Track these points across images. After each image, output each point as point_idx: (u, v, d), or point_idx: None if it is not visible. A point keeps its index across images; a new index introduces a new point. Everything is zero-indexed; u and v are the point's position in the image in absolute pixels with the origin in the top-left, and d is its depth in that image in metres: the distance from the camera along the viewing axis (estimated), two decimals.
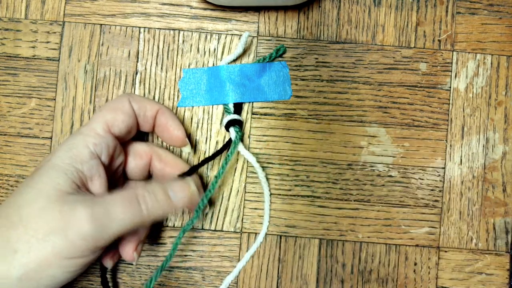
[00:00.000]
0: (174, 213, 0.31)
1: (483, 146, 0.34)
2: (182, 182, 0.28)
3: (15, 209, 0.24)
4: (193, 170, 0.30)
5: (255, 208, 0.33)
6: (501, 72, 0.34)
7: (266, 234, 0.33)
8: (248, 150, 0.33)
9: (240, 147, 0.32)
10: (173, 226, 0.33)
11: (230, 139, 0.32)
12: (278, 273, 0.33)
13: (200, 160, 0.31)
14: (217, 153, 0.32)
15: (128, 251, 0.29)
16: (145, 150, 0.30)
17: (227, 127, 0.32)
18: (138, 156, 0.30)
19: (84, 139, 0.26)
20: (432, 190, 0.33)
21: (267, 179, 0.33)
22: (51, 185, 0.25)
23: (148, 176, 0.31)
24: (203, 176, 0.33)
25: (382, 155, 0.33)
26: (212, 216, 0.33)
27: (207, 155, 0.33)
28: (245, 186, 0.33)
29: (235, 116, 0.32)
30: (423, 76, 0.34)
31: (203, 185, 0.33)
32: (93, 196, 0.26)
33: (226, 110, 0.33)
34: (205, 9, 0.34)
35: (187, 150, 0.31)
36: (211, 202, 0.33)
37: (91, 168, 0.26)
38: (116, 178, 0.30)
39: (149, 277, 0.33)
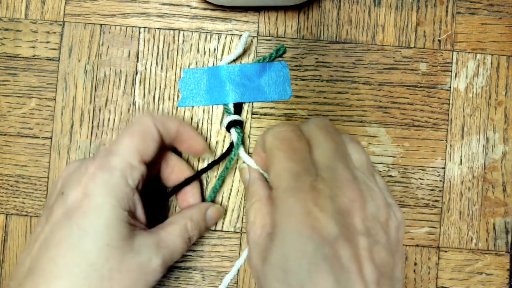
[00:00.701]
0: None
1: (483, 146, 0.34)
2: (216, 208, 0.31)
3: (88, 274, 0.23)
4: (199, 175, 0.31)
5: None
6: (501, 72, 0.34)
7: None
8: (248, 150, 0.33)
9: (241, 151, 0.31)
10: None
11: (232, 143, 0.32)
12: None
13: (207, 164, 0.32)
14: (222, 156, 0.32)
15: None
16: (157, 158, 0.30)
17: (228, 128, 0.32)
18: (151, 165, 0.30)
19: (122, 176, 0.25)
20: (432, 190, 0.33)
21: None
22: (117, 237, 0.24)
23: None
24: (203, 176, 0.33)
25: (382, 155, 0.33)
26: None
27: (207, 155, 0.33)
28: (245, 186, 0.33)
29: (236, 117, 0.32)
30: (423, 76, 0.34)
31: (203, 185, 0.33)
32: (153, 234, 0.26)
33: (226, 111, 0.33)
34: (205, 9, 0.34)
35: (207, 156, 0.32)
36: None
37: (135, 202, 0.26)
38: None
39: None
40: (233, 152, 0.31)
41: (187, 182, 0.30)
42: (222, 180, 0.32)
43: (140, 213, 0.27)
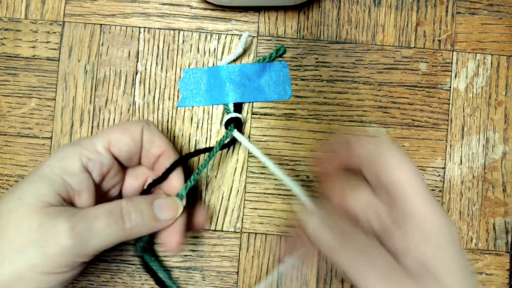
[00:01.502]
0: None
1: (483, 146, 0.34)
2: (171, 200, 0.27)
3: (6, 225, 0.23)
4: (185, 159, 0.29)
5: (255, 208, 0.33)
6: (501, 72, 0.34)
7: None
8: (248, 150, 0.33)
9: (236, 133, 0.31)
10: None
11: (229, 141, 0.32)
12: (278, 273, 0.33)
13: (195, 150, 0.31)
14: (224, 146, 0.31)
15: (171, 242, 0.27)
16: (142, 171, 0.29)
17: (226, 126, 0.32)
18: (134, 177, 0.29)
19: (79, 152, 0.25)
20: (432, 190, 0.33)
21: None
22: (34, 195, 0.23)
23: None
24: (202, 176, 0.33)
25: None
26: (212, 216, 0.33)
27: (207, 155, 0.33)
28: (245, 186, 0.33)
29: (234, 114, 0.32)
30: (423, 76, 0.34)
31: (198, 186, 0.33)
32: (77, 210, 0.24)
33: (226, 111, 0.33)
34: (205, 9, 0.34)
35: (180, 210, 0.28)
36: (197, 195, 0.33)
37: (80, 182, 0.25)
38: (110, 197, 0.29)
39: (148, 277, 0.33)
40: (224, 135, 0.31)
41: (172, 167, 0.28)
42: (214, 153, 0.30)
43: (85, 198, 0.25)
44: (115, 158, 0.27)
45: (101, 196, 0.28)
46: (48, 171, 0.24)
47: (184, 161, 0.29)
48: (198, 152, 0.30)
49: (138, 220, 0.25)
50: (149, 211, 0.26)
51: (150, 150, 0.27)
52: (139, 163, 0.29)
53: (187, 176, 0.28)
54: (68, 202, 0.25)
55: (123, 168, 0.28)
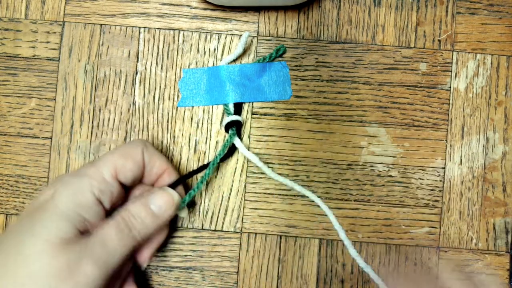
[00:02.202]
0: (167, 223, 0.29)
1: (483, 146, 0.34)
2: (162, 193, 0.28)
3: (17, 258, 0.23)
4: (187, 177, 0.30)
5: (255, 208, 0.33)
6: (501, 72, 0.34)
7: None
8: (248, 149, 0.33)
9: (237, 141, 0.32)
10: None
11: (207, 163, 0.31)
12: (278, 273, 0.33)
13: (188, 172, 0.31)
14: (225, 157, 0.32)
15: (144, 256, 0.29)
16: (144, 189, 0.30)
17: (226, 129, 0.32)
18: (137, 194, 0.29)
19: (90, 184, 0.26)
20: (432, 190, 0.33)
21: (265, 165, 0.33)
22: (55, 232, 0.24)
23: None
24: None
25: (382, 155, 0.33)
26: (212, 216, 0.33)
27: (207, 155, 0.33)
28: (245, 186, 0.33)
29: (234, 117, 0.32)
30: (423, 76, 0.34)
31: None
32: (91, 236, 0.25)
33: (226, 111, 0.33)
34: (205, 9, 0.34)
35: (182, 215, 0.30)
36: (195, 203, 0.33)
37: (95, 214, 0.26)
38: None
39: (148, 276, 0.33)
40: (223, 145, 0.32)
41: (174, 185, 0.29)
42: (215, 162, 0.31)
43: (98, 225, 0.26)
44: (121, 184, 0.27)
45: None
46: (63, 207, 0.25)
47: (185, 179, 0.30)
48: (200, 169, 0.31)
49: (141, 224, 0.26)
50: (146, 212, 0.27)
51: (152, 170, 0.29)
52: (140, 181, 0.29)
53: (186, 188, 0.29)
54: (84, 233, 0.25)
55: (126, 189, 0.29)
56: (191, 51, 0.34)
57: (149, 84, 0.33)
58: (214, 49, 0.34)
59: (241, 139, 0.33)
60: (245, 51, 0.34)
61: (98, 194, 0.26)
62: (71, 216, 0.25)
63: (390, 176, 0.33)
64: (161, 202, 0.27)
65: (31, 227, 0.24)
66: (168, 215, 0.27)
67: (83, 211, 0.25)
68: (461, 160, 0.34)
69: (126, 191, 0.29)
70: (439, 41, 0.34)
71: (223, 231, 0.33)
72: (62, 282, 0.23)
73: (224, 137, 0.33)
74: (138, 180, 0.29)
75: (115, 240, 0.25)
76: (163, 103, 0.33)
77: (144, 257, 0.29)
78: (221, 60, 0.34)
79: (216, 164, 0.31)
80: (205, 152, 0.33)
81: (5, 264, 0.23)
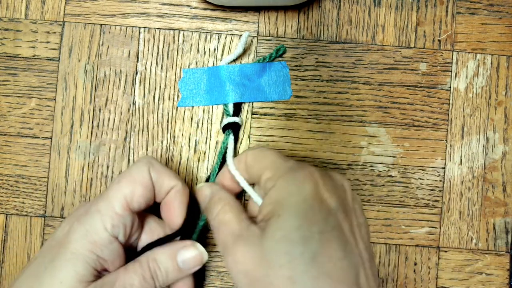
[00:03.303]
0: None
1: (483, 146, 0.34)
2: (193, 250, 0.27)
3: None
4: (173, 237, 0.28)
5: None
6: (501, 72, 0.34)
7: None
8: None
9: (230, 146, 0.31)
10: None
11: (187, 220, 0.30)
12: None
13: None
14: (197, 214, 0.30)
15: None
16: (156, 227, 0.29)
17: (224, 131, 0.32)
18: (150, 231, 0.29)
19: (102, 220, 0.25)
20: (432, 190, 0.33)
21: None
22: (74, 277, 0.24)
23: None
24: (202, 177, 0.33)
25: (382, 155, 0.33)
26: None
27: (207, 155, 0.33)
28: None
29: (232, 119, 0.32)
30: (423, 76, 0.34)
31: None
32: (113, 279, 0.25)
33: (225, 111, 0.33)
34: (205, 9, 0.34)
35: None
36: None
37: (111, 252, 0.25)
38: (133, 245, 0.29)
39: None
40: (220, 149, 0.31)
41: (158, 243, 0.28)
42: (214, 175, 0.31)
43: (117, 264, 0.26)
44: (135, 213, 0.27)
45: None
46: (79, 248, 0.24)
47: (182, 232, 0.28)
48: (191, 225, 0.30)
49: (166, 277, 0.26)
50: (173, 266, 0.26)
51: (162, 188, 0.27)
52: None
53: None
54: (101, 272, 0.25)
55: (140, 215, 0.28)
56: (191, 51, 0.34)
57: (149, 84, 0.33)
58: (214, 49, 0.34)
59: (240, 139, 0.33)
60: (245, 51, 0.34)
61: (111, 230, 0.25)
62: (87, 257, 0.24)
63: (390, 176, 0.33)
64: (190, 258, 0.27)
65: (48, 267, 0.24)
66: (193, 271, 0.27)
67: (98, 251, 0.25)
68: (461, 160, 0.34)
69: (142, 219, 0.28)
70: (439, 41, 0.34)
71: None
72: None
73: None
74: (152, 202, 0.28)
75: (135, 282, 0.25)
76: (163, 103, 0.33)
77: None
78: (221, 60, 0.34)
79: (201, 226, 0.30)
80: (205, 152, 0.33)
81: None
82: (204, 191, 0.27)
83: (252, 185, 0.28)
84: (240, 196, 0.29)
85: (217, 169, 0.31)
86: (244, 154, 0.27)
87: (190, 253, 0.27)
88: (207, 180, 0.32)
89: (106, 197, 0.26)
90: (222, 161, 0.31)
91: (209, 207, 0.26)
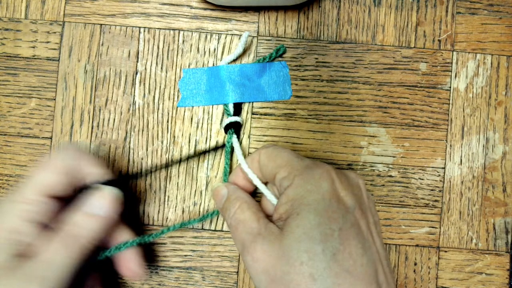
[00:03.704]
0: (114, 221, 0.28)
1: (483, 146, 0.34)
2: (97, 193, 0.27)
3: None
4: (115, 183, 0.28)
5: None
6: (501, 72, 0.34)
7: None
8: (248, 149, 0.33)
9: (235, 143, 0.31)
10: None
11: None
12: None
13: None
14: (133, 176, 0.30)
15: (130, 268, 0.28)
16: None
17: (226, 130, 0.32)
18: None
19: (13, 208, 0.25)
20: (432, 190, 0.33)
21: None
22: None
23: None
24: (202, 177, 0.33)
25: (382, 155, 0.33)
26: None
27: (207, 155, 0.33)
28: None
29: (233, 119, 0.32)
30: (423, 76, 0.34)
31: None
32: (36, 259, 0.24)
33: (225, 111, 0.33)
34: (205, 9, 0.34)
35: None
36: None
37: (31, 236, 0.25)
38: None
39: (148, 277, 0.33)
40: (225, 149, 0.32)
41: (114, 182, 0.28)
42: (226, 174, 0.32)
43: (40, 242, 0.25)
44: (57, 197, 0.26)
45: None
46: None
47: (122, 180, 0.28)
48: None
49: (87, 230, 0.26)
50: (88, 218, 0.26)
51: (81, 173, 0.27)
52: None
53: None
54: (24, 256, 0.25)
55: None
56: (191, 51, 0.34)
57: (149, 84, 0.33)
58: (214, 49, 0.34)
59: (240, 139, 0.33)
60: (245, 51, 0.34)
61: (26, 215, 0.25)
62: (1, 243, 0.24)
63: (390, 176, 0.33)
64: (99, 202, 0.26)
65: None
66: (112, 211, 0.27)
67: (14, 236, 0.24)
68: (461, 160, 0.34)
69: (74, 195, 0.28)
70: (439, 41, 0.34)
71: (223, 231, 0.33)
72: None
73: (224, 137, 0.33)
74: (73, 187, 0.27)
75: (63, 254, 0.24)
76: (163, 103, 0.33)
77: (128, 267, 0.28)
78: (221, 60, 0.34)
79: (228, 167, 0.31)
80: (205, 152, 0.33)
81: None
82: (220, 191, 0.28)
83: (265, 184, 0.28)
84: (252, 196, 0.29)
85: (228, 169, 0.31)
86: (257, 153, 0.28)
87: (97, 198, 0.26)
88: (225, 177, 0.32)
89: (20, 187, 0.26)
90: (230, 161, 0.32)
91: (226, 206, 0.27)
